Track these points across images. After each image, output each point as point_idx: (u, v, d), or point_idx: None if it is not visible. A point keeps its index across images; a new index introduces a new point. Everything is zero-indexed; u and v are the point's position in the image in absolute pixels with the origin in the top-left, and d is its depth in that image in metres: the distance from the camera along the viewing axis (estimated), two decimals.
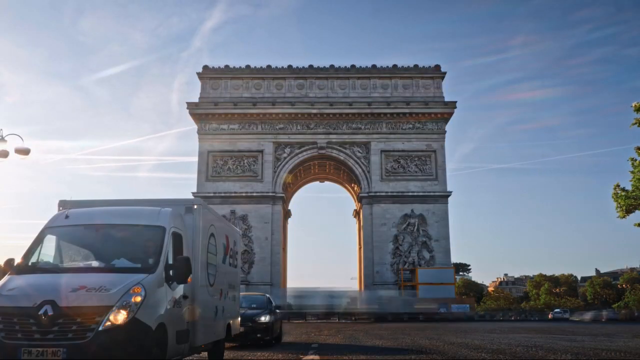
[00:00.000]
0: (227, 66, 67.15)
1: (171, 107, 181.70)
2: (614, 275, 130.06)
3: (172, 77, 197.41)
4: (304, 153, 65.58)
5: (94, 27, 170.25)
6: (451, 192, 64.12)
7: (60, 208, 9.65)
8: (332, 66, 67.18)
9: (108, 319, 6.93)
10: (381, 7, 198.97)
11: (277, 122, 65.56)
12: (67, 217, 8.90)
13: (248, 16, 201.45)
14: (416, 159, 64.93)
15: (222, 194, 63.36)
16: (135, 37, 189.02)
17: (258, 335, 16.64)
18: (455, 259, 73.80)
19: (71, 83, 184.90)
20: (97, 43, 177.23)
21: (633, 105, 22.90)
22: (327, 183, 79.26)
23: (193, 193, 63.66)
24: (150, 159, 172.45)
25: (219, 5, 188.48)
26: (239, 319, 13.53)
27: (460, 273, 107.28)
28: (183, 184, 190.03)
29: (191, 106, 65.49)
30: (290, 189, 73.69)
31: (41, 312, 6.84)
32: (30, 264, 8.20)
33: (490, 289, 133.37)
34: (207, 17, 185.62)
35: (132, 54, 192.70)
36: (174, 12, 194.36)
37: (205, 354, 11.55)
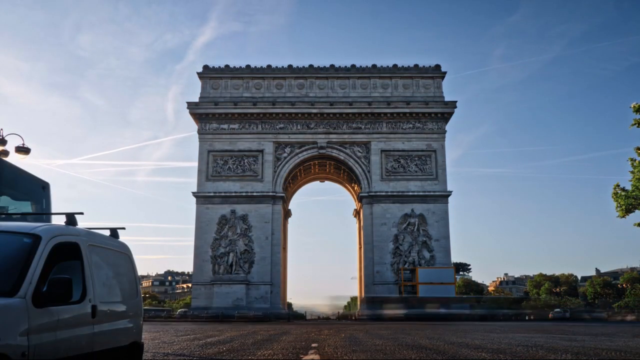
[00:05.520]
0: (227, 66, 67.11)
1: (167, 115, 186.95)
2: (614, 275, 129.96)
3: (167, 88, 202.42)
4: (304, 153, 65.56)
5: (92, 42, 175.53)
6: (451, 191, 64.11)
7: None
8: (332, 66, 67.13)
9: None
10: (381, 7, 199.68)
11: (277, 122, 65.52)
12: None
13: (239, 32, 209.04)
14: (416, 158, 64.88)
15: (223, 194, 63.36)
16: (131, 51, 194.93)
17: None
18: (455, 258, 73.88)
19: (70, 94, 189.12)
20: (95, 57, 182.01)
21: (632, 105, 22.90)
22: (327, 183, 79.31)
23: (193, 193, 63.71)
24: (148, 164, 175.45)
25: (211, 22, 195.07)
26: None
27: (461, 273, 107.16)
28: (181, 187, 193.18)
29: (191, 106, 65.47)
30: (290, 189, 73.70)
31: None
32: None
33: (491, 288, 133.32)
34: (199, 34, 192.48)
35: (129, 66, 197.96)
36: (168, 29, 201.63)
37: None
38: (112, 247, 7.10)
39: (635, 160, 23.88)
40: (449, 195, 63.98)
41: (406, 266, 61.39)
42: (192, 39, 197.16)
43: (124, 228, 7.53)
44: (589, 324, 46.06)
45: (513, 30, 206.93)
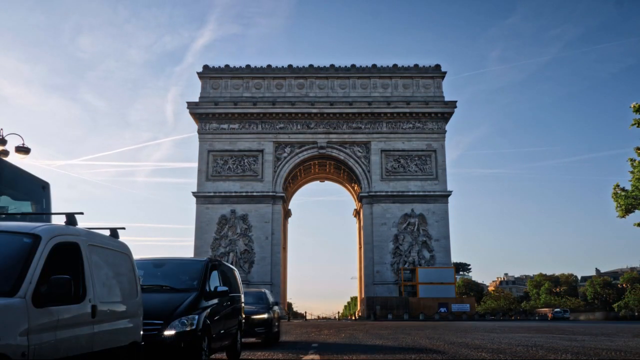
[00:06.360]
0: (227, 66, 67.08)
1: (166, 117, 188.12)
2: (614, 274, 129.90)
3: (166, 89, 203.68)
4: (304, 153, 65.54)
5: (92, 44, 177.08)
6: (451, 191, 64.08)
7: None
8: (332, 66, 67.10)
9: None
10: (381, 7, 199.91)
11: (277, 122, 65.50)
12: None
13: (238, 34, 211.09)
14: (416, 158, 64.84)
15: (223, 194, 63.35)
16: (130, 53, 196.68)
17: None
18: (455, 258, 73.88)
19: (70, 95, 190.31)
20: (95, 59, 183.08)
21: (632, 105, 22.85)
22: (327, 183, 79.28)
23: (193, 193, 63.72)
24: (148, 164, 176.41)
25: (209, 25, 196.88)
26: None
27: (461, 273, 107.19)
28: (181, 187, 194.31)
29: (191, 105, 65.45)
30: (290, 189, 73.68)
31: None
32: None
33: (491, 288, 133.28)
34: (198, 36, 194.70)
35: (128, 68, 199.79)
36: (167, 32, 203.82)
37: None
38: (112, 247, 7.09)
39: (635, 160, 23.83)
40: (449, 195, 63.94)
41: (406, 266, 61.35)
42: (191, 42, 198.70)
43: (124, 228, 7.56)
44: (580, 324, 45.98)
45: (510, 33, 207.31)
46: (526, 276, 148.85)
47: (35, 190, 11.71)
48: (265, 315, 16.94)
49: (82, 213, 6.71)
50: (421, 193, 63.42)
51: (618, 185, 24.71)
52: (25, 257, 5.31)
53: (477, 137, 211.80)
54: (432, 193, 63.51)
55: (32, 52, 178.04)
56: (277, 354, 14.09)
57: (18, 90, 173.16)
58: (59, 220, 7.36)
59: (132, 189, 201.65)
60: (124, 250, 7.51)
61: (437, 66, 67.47)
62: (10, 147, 18.86)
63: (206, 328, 9.64)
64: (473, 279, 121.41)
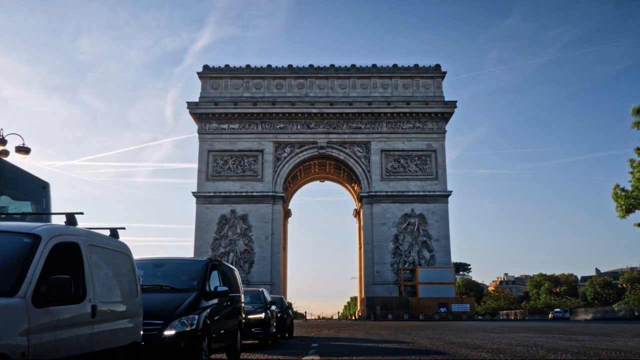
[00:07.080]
0: (227, 66, 67.06)
1: (166, 118, 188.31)
2: (614, 274, 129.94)
3: (166, 90, 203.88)
4: (304, 153, 65.53)
5: (92, 46, 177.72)
6: (451, 191, 64.07)
7: None
8: (332, 66, 67.07)
9: None
10: (381, 7, 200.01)
11: (277, 122, 65.49)
12: None
13: (237, 36, 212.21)
14: (416, 158, 64.84)
15: (223, 194, 63.35)
16: (130, 55, 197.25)
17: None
18: (455, 258, 73.85)
19: (70, 96, 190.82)
20: (95, 60, 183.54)
21: (631, 109, 22.86)
22: (327, 183, 79.26)
23: (193, 193, 63.72)
24: (148, 165, 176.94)
25: (209, 27, 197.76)
26: None
27: (461, 273, 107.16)
28: (181, 188, 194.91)
29: (191, 105, 65.45)
30: (290, 189, 73.66)
31: None
32: None
33: (491, 288, 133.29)
34: (197, 38, 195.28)
35: (128, 70, 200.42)
36: (167, 33, 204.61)
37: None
38: (112, 247, 7.09)
39: (635, 160, 23.80)
40: (449, 195, 63.93)
41: (406, 266, 61.36)
42: (191, 43, 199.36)
43: (124, 228, 7.54)
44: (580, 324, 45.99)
45: (509, 34, 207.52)
46: (526, 276, 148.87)
47: (35, 190, 11.69)
48: (261, 315, 16.49)
49: (82, 213, 6.70)
50: (421, 193, 63.42)
51: (618, 186, 24.67)
52: (25, 257, 5.30)
53: (477, 137, 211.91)
54: (432, 193, 63.52)
55: (32, 53, 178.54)
56: (277, 354, 14.09)
57: (18, 91, 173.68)
58: (59, 220, 7.35)
59: (132, 189, 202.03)
60: (124, 250, 7.49)
61: (437, 66, 67.45)
62: (10, 147, 18.86)
63: (206, 328, 9.66)
64: (473, 279, 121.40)
